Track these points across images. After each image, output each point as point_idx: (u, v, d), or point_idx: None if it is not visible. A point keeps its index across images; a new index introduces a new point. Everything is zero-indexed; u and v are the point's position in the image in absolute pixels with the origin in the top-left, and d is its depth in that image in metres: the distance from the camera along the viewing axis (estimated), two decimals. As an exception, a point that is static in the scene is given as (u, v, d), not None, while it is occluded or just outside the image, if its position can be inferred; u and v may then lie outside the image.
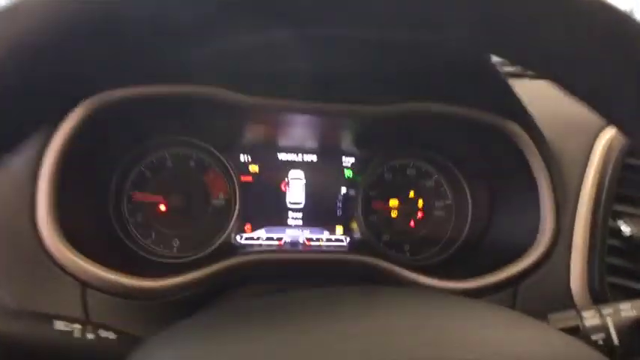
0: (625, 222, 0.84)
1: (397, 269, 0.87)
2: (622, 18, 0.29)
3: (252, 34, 0.29)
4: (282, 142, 1.08)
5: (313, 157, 1.11)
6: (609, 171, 0.86)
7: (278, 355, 0.37)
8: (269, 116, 0.90)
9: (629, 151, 0.87)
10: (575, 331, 0.61)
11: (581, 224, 0.85)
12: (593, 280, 0.83)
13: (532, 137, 0.87)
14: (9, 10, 0.25)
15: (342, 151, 1.12)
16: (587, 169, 0.88)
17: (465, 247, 1.07)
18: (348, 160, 1.12)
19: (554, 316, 0.64)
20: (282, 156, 1.09)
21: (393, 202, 1.11)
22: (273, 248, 1.05)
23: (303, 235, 1.09)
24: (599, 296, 0.82)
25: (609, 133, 0.90)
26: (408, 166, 1.12)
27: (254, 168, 1.08)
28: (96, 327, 0.56)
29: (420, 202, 1.11)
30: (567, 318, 0.63)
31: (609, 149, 0.88)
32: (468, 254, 1.04)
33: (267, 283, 0.86)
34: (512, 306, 0.83)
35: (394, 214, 1.11)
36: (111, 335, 0.57)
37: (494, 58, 0.83)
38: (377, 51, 0.78)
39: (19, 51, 0.25)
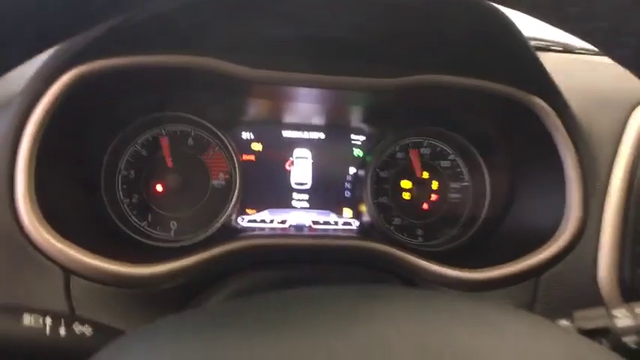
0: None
1: (407, 257, 0.81)
2: None
3: None
4: (287, 118, 1.03)
5: (320, 135, 1.05)
6: (645, 150, 0.80)
7: None
8: (272, 90, 0.85)
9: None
10: (604, 333, 0.55)
11: (611, 209, 0.78)
12: (624, 272, 0.76)
13: (558, 112, 0.80)
14: None
15: (352, 128, 1.06)
16: (619, 148, 0.82)
17: (482, 233, 1.00)
18: (357, 138, 1.06)
19: (579, 314, 0.58)
20: (287, 133, 1.04)
21: (406, 184, 1.04)
22: (277, 232, 1.00)
23: (308, 217, 1.03)
24: (629, 290, 0.76)
25: (646, 109, 0.83)
26: (422, 144, 1.05)
27: (257, 146, 1.02)
28: (71, 321, 0.52)
29: (435, 184, 1.05)
30: (595, 317, 0.57)
31: (646, 126, 0.82)
32: (485, 241, 0.98)
33: (269, 270, 0.81)
34: (533, 300, 0.77)
35: (406, 196, 1.04)
36: (87, 331, 0.52)
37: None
38: (386, 18, 0.72)
39: None
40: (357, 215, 1.05)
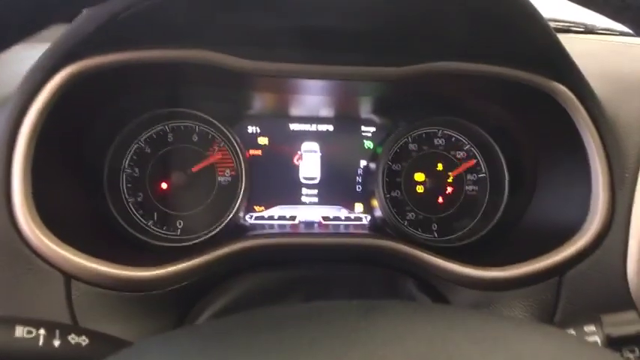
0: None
1: (422, 254, 0.78)
2: None
3: None
4: (294, 111, 0.99)
5: (329, 127, 1.01)
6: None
7: None
8: (276, 82, 0.82)
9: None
10: (637, 341, 0.50)
11: (640, 202, 0.74)
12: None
13: (581, 99, 0.76)
14: None
15: (361, 119, 1.02)
16: (648, 137, 0.77)
17: (501, 227, 0.96)
18: (368, 130, 1.02)
19: (608, 319, 0.54)
20: (295, 126, 1.01)
21: (419, 176, 1.00)
22: (286, 230, 0.97)
23: (318, 213, 1.00)
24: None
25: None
26: (436, 135, 1.01)
27: (263, 140, 0.99)
28: (66, 332, 0.50)
29: (450, 176, 1.00)
30: (625, 322, 0.53)
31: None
32: (503, 236, 0.93)
33: (276, 271, 0.78)
34: (556, 300, 0.72)
35: (420, 189, 1.00)
36: (83, 341, 0.50)
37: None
38: (392, 2, 0.68)
39: None
40: (368, 210, 1.01)
